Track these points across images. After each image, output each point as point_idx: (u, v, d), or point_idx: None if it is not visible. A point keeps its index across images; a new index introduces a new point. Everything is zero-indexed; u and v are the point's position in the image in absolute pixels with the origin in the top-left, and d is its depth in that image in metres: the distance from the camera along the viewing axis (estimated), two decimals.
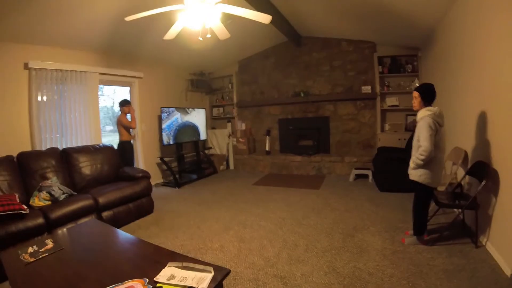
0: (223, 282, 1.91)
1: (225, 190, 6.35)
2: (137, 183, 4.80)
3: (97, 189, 4.56)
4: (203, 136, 8.28)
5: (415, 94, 3.30)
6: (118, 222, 4.22)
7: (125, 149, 5.83)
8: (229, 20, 3.71)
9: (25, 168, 4.20)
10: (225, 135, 8.78)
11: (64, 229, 3.32)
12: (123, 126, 5.84)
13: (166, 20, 3.92)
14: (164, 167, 7.14)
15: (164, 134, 6.89)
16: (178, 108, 7.47)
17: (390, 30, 5.93)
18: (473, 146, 3.69)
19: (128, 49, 6.15)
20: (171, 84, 7.87)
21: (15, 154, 4.23)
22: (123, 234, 2.92)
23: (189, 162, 7.82)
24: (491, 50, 3.18)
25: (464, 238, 3.43)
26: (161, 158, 7.00)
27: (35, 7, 3.87)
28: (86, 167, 4.86)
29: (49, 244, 2.51)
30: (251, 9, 3.25)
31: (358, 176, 6.65)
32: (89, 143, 5.45)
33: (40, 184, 4.08)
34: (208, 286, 1.74)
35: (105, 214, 4.25)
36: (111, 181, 5.00)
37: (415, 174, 3.25)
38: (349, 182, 6.49)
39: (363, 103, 7.32)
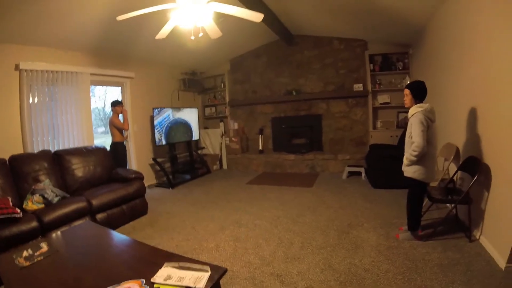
0: (220, 281, 1.91)
1: (219, 190, 6.34)
2: (130, 185, 4.78)
3: (90, 191, 4.54)
4: (195, 133, 8.23)
5: (406, 91, 3.34)
6: (113, 224, 4.19)
7: (118, 150, 5.79)
8: (221, 18, 3.70)
9: (17, 171, 4.15)
10: (218, 135, 8.76)
11: (59, 232, 3.28)
12: (115, 127, 5.80)
13: (157, 20, 3.90)
14: (157, 167, 7.10)
15: (155, 132, 6.85)
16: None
17: (381, 27, 5.97)
18: (464, 141, 3.74)
19: (119, 49, 6.11)
20: (163, 84, 7.82)
21: (6, 157, 4.18)
22: (118, 236, 2.91)
23: (182, 162, 7.78)
24: (480, 47, 3.23)
25: (457, 232, 3.46)
26: (154, 159, 6.97)
27: (26, 8, 3.83)
28: (78, 169, 4.82)
29: (44, 247, 2.49)
30: (242, 8, 3.24)
31: (351, 174, 6.68)
32: (82, 145, 5.40)
33: (33, 187, 4.04)
34: (205, 285, 1.73)
35: (99, 216, 4.22)
36: (104, 183, 4.97)
37: (409, 170, 3.28)
38: (343, 179, 6.52)
39: (355, 100, 7.36)
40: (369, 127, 7.18)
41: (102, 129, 12.96)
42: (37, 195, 3.93)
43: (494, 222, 2.97)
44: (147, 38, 5.29)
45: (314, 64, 7.77)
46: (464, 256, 2.94)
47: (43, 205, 3.89)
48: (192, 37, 3.31)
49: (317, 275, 2.80)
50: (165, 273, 1.87)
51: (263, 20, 3.45)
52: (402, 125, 6.69)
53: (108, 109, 8.37)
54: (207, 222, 4.41)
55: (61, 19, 4.37)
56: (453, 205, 3.46)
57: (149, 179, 7.03)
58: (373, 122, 7.13)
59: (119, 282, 1.82)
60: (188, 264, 1.93)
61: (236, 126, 8.75)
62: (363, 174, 6.42)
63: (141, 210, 4.89)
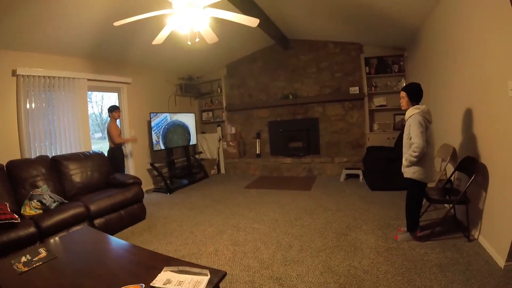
0: (219, 285, 1.91)
1: (217, 194, 6.34)
2: (128, 190, 4.76)
3: (88, 196, 4.51)
4: (193, 136, 8.25)
5: (402, 94, 3.37)
6: (111, 229, 4.16)
7: (116, 156, 5.78)
8: (218, 24, 3.72)
9: (15, 177, 4.15)
10: (215, 139, 8.77)
11: (57, 238, 3.27)
12: (111, 135, 5.79)
13: (153, 25, 3.91)
14: (155, 173, 7.10)
15: (153, 133, 6.85)
16: None
17: (375, 30, 6.01)
18: (460, 142, 3.76)
19: (116, 55, 6.13)
20: (159, 89, 7.84)
21: (4, 163, 4.17)
22: (116, 241, 2.90)
23: (179, 167, 7.79)
24: (474, 48, 3.26)
25: (456, 232, 3.48)
26: (152, 164, 6.96)
27: (22, 13, 3.84)
28: (76, 174, 4.81)
29: (43, 253, 2.48)
30: (238, 13, 3.26)
31: (348, 176, 6.69)
32: (79, 150, 5.40)
33: (31, 192, 4.02)
34: None
35: (97, 221, 4.21)
36: (102, 188, 4.95)
37: (409, 171, 3.30)
38: (340, 182, 6.53)
39: (351, 103, 7.38)
40: (365, 130, 7.21)
41: (99, 134, 12.96)
42: (35, 200, 3.92)
43: (492, 222, 2.99)
44: (143, 43, 5.30)
45: (310, 68, 7.80)
46: (463, 256, 2.96)
47: (41, 211, 3.87)
48: (189, 42, 3.33)
49: (316, 278, 2.80)
50: (165, 277, 1.87)
51: (259, 25, 3.47)
52: (399, 127, 6.72)
53: (105, 114, 8.35)
54: (205, 227, 4.41)
55: (58, 25, 4.38)
56: (451, 205, 3.48)
57: (147, 184, 7.02)
58: (369, 125, 7.15)
59: (118, 287, 1.81)
60: (187, 268, 1.93)
61: (233, 130, 8.75)
62: (361, 177, 6.43)
63: (139, 215, 4.88)
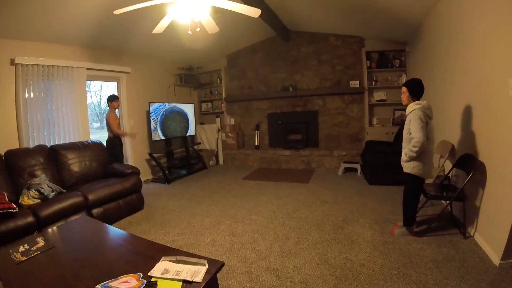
0: (217, 275, 1.92)
1: (215, 185, 6.35)
2: (127, 180, 4.77)
3: (87, 186, 4.52)
4: (192, 124, 8.24)
5: (403, 89, 3.36)
6: (109, 219, 4.17)
7: (114, 145, 5.76)
8: (219, 13, 3.70)
9: (13, 166, 4.14)
10: (214, 130, 8.76)
11: (55, 227, 3.27)
12: (110, 124, 5.77)
13: (153, 14, 3.89)
14: (153, 163, 7.10)
15: (151, 121, 6.85)
16: None
17: (377, 24, 5.98)
18: (459, 139, 3.77)
19: (115, 44, 6.08)
20: (159, 79, 7.81)
21: (2, 152, 4.17)
22: (115, 230, 2.91)
23: (178, 157, 7.80)
24: (475, 44, 3.26)
25: (452, 229, 3.50)
26: (150, 154, 6.95)
27: (21, 2, 3.81)
28: (74, 164, 4.81)
29: (41, 242, 2.49)
30: (240, 3, 3.24)
31: (347, 170, 6.71)
32: (78, 140, 5.39)
33: (29, 182, 4.03)
34: (203, 278, 1.75)
35: (95, 211, 4.22)
36: (100, 178, 4.96)
37: (409, 166, 3.30)
38: (338, 175, 6.55)
39: (351, 97, 7.37)
40: (365, 124, 7.21)
41: (97, 124, 12.94)
42: (33, 190, 3.92)
43: (488, 219, 3.00)
44: (143, 32, 5.26)
45: (311, 60, 7.77)
46: (458, 252, 2.98)
47: (39, 200, 3.88)
48: (190, 32, 3.31)
49: (313, 270, 2.82)
50: (162, 267, 1.88)
51: (260, 16, 3.44)
52: (398, 122, 6.72)
53: (104, 104, 8.32)
54: (203, 217, 4.42)
55: (57, 13, 4.34)
56: (448, 201, 3.49)
57: (145, 174, 7.02)
58: (369, 119, 7.15)
59: (116, 276, 1.82)
60: (185, 258, 1.93)
61: (232, 121, 8.75)
62: (359, 171, 6.45)
63: (137, 205, 4.89)
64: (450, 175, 3.82)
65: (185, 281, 1.73)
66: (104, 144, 5.61)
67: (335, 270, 2.80)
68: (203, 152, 8.58)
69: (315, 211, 4.40)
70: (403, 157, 3.37)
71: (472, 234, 3.29)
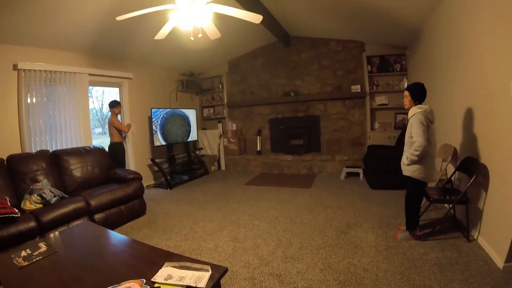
0: (220, 281, 1.91)
1: (217, 190, 6.34)
2: (129, 185, 4.77)
3: (89, 191, 4.53)
4: (194, 128, 8.26)
5: (406, 93, 3.37)
6: (111, 224, 4.17)
7: (116, 151, 5.78)
8: (219, 19, 3.71)
9: (15, 171, 4.15)
10: (216, 136, 8.77)
11: (57, 232, 3.27)
12: (115, 128, 5.78)
13: (155, 20, 3.92)
14: (155, 168, 7.10)
15: (153, 125, 6.88)
16: None
17: (377, 29, 5.99)
18: (461, 142, 3.76)
19: (117, 50, 6.11)
20: (161, 84, 7.83)
21: (4, 157, 4.18)
22: (117, 236, 2.90)
23: (180, 163, 7.80)
24: (475, 47, 3.27)
25: (455, 232, 3.48)
26: (152, 160, 6.95)
27: (23, 8, 3.84)
28: (77, 169, 4.81)
29: (43, 247, 2.48)
30: (241, 9, 3.25)
31: (349, 174, 6.69)
32: (80, 145, 5.39)
33: (31, 187, 4.03)
34: (207, 284, 1.73)
35: (97, 216, 4.21)
36: (102, 183, 4.96)
37: (409, 169, 3.29)
38: (341, 180, 6.52)
39: (352, 102, 7.38)
40: (366, 128, 7.21)
41: (99, 129, 12.95)
42: (35, 195, 3.92)
43: (491, 222, 2.99)
44: (145, 38, 5.29)
45: (311, 66, 7.79)
46: (462, 256, 2.96)
47: (41, 205, 3.88)
48: (192, 38, 3.32)
49: (316, 275, 2.81)
50: (166, 272, 1.87)
51: (261, 22, 3.46)
52: (400, 126, 6.72)
53: (106, 110, 8.32)
54: (206, 223, 4.41)
55: (59, 20, 4.38)
56: (451, 205, 3.48)
57: (147, 179, 7.02)
58: (371, 123, 7.15)
59: (119, 282, 1.81)
60: (188, 264, 1.92)
61: (234, 127, 8.75)
62: (361, 175, 6.43)
63: (139, 211, 4.88)
64: (452, 178, 3.81)
65: (188, 287, 1.72)
66: (106, 149, 5.62)
67: (338, 275, 2.79)
68: (205, 157, 8.58)
69: (318, 216, 4.39)
70: (404, 160, 3.36)
71: (475, 237, 3.27)
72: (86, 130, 5.72)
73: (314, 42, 7.67)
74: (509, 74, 2.56)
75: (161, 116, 7.13)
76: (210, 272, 1.84)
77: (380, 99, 7.08)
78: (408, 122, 3.36)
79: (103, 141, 7.19)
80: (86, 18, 4.56)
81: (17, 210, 3.41)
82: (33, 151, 4.73)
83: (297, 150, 7.83)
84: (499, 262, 2.71)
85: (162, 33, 3.56)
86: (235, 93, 8.92)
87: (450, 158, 3.94)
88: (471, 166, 3.27)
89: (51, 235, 3.16)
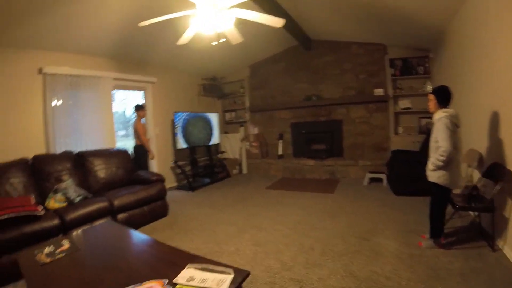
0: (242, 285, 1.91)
1: (239, 194, 6.36)
2: (152, 187, 4.84)
3: (112, 192, 4.62)
4: (216, 131, 8.35)
5: (431, 96, 3.31)
6: (133, 224, 4.22)
7: (140, 153, 5.88)
8: (241, 24, 3.73)
9: (40, 171, 4.28)
10: (238, 140, 8.81)
11: (80, 231, 3.35)
12: (137, 133, 5.88)
13: (177, 26, 3.97)
14: (178, 171, 7.19)
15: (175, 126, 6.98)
16: None
17: (399, 31, 5.90)
18: (487, 147, 3.65)
19: (141, 54, 6.22)
20: (184, 88, 7.94)
21: (30, 157, 4.32)
22: (139, 236, 2.94)
23: (202, 166, 7.85)
24: (501, 49, 3.17)
25: (480, 241, 3.38)
26: (175, 162, 7.05)
27: (48, 14, 3.96)
28: (101, 170, 4.92)
29: (66, 245, 2.54)
30: (262, 13, 3.26)
31: (372, 180, 6.58)
32: (104, 147, 5.50)
33: (56, 186, 4.15)
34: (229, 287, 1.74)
35: (120, 216, 4.30)
36: (125, 185, 5.05)
37: (434, 175, 3.22)
38: (363, 185, 6.44)
39: (375, 106, 7.27)
40: (390, 133, 7.09)
41: (122, 132, 13.16)
42: (60, 194, 4.04)
43: None
44: (168, 43, 5.36)
45: (333, 69, 7.73)
46: (486, 266, 2.87)
47: (65, 204, 3.99)
48: (214, 43, 3.35)
49: (338, 282, 2.77)
50: (188, 274, 1.88)
51: (283, 26, 3.45)
52: (424, 131, 6.57)
53: (129, 113, 8.49)
54: (227, 226, 4.42)
55: (82, 25, 4.50)
56: (476, 213, 3.38)
57: (170, 181, 7.10)
58: (394, 128, 7.03)
59: (140, 281, 1.83)
60: (211, 266, 1.93)
61: (256, 131, 8.77)
62: (385, 181, 6.33)
63: (161, 212, 4.95)
64: (478, 185, 3.69)
65: None
66: (130, 151, 5.72)
67: (360, 282, 2.74)
68: (227, 161, 8.62)
69: (340, 222, 4.33)
70: (429, 166, 3.28)
71: (501, 247, 3.16)
72: (110, 133, 5.84)
73: (336, 46, 7.62)
74: None
75: (183, 117, 7.21)
76: (233, 275, 1.84)
77: (404, 103, 6.95)
78: (433, 126, 3.28)
79: (126, 143, 7.32)
80: (110, 24, 4.67)
81: (41, 209, 3.50)
82: (58, 152, 4.85)
83: (319, 154, 7.77)
84: None
85: (185, 38, 3.60)
86: (256, 97, 8.94)
87: (475, 163, 3.83)
88: (498, 172, 3.16)
89: (74, 233, 3.23)
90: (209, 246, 3.73)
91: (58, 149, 4.95)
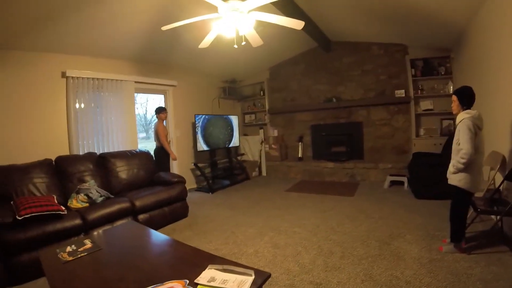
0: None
1: (258, 196, 6.38)
2: (173, 188, 4.91)
3: (134, 192, 4.70)
4: (236, 133, 8.40)
5: (453, 97, 3.25)
6: (154, 225, 4.26)
7: (161, 155, 5.95)
8: (261, 27, 3.75)
9: (63, 171, 4.39)
10: (257, 142, 8.83)
11: (101, 230, 3.42)
12: (158, 135, 5.97)
13: (198, 29, 4.02)
14: (198, 172, 7.26)
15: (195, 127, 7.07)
16: None
17: (420, 31, 5.81)
18: (510, 149, 3.55)
19: (162, 58, 6.33)
20: (204, 91, 8.03)
21: (53, 158, 4.44)
22: (160, 236, 2.97)
23: (222, 168, 7.91)
24: None
25: (502, 246, 3.29)
26: (195, 164, 7.12)
27: (71, 19, 4.08)
28: (122, 171, 5.02)
29: (88, 244, 2.59)
30: (282, 16, 3.27)
31: (393, 183, 6.50)
32: (125, 149, 5.60)
33: (78, 186, 4.25)
34: None
35: (141, 217, 4.37)
36: (146, 186, 5.13)
37: (455, 178, 3.16)
38: (384, 189, 6.35)
39: (396, 107, 7.17)
40: (411, 135, 6.96)
41: (143, 134, 13.39)
42: (82, 194, 4.13)
43: None
44: (189, 47, 5.46)
45: (353, 71, 7.67)
46: (507, 272, 2.79)
47: (87, 204, 4.08)
48: (235, 46, 3.38)
49: (357, 286, 2.75)
50: (209, 275, 1.89)
51: (302, 27, 3.46)
52: (446, 133, 6.44)
53: (150, 116, 8.61)
54: (246, 227, 4.44)
55: (104, 30, 4.62)
56: (498, 217, 3.30)
57: (190, 183, 7.14)
58: (415, 130, 6.90)
59: (161, 281, 1.85)
60: (232, 267, 1.94)
61: (275, 133, 8.78)
62: (406, 184, 6.23)
63: (181, 213, 5.02)
64: (501, 188, 3.60)
65: None
66: (152, 153, 5.81)
67: (380, 287, 2.71)
68: (246, 163, 8.65)
69: (360, 226, 4.29)
70: (450, 168, 3.22)
71: None
72: (132, 135, 5.95)
73: (355, 47, 7.56)
74: None
75: (203, 118, 7.29)
76: (253, 277, 1.85)
77: (425, 104, 6.83)
78: (455, 128, 3.22)
79: (146, 146, 7.46)
80: (132, 28, 4.77)
81: (63, 208, 3.58)
82: (80, 153, 4.99)
83: (339, 157, 7.71)
84: None
85: (206, 42, 3.65)
86: (276, 100, 8.95)
87: (498, 166, 3.73)
88: None
89: (95, 233, 3.30)
90: (228, 248, 3.76)
91: (81, 150, 5.09)
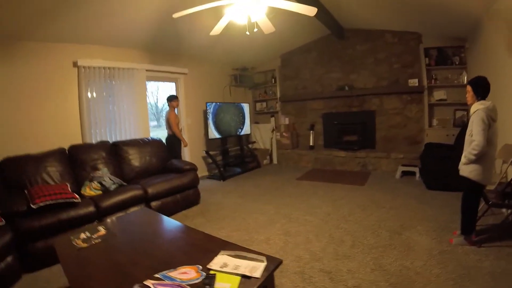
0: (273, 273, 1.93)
1: (269, 184, 6.40)
2: (185, 175, 4.96)
3: (146, 180, 4.75)
4: (247, 120, 8.43)
5: (468, 88, 3.18)
6: (166, 211, 4.29)
7: (173, 143, 5.99)
8: (273, 13, 3.71)
9: (76, 159, 4.47)
10: (269, 130, 8.84)
11: (115, 217, 3.47)
12: (169, 123, 6.01)
13: (209, 16, 4.00)
14: (209, 160, 7.31)
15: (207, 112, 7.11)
16: None
17: (434, 19, 5.67)
18: None
19: (173, 46, 6.32)
20: (215, 79, 8.03)
21: (66, 147, 4.52)
22: (173, 223, 3.03)
23: (233, 156, 7.95)
24: None
25: None
26: (207, 152, 7.17)
27: (82, 9, 4.08)
28: (135, 159, 5.08)
29: (102, 230, 2.64)
30: (294, 2, 3.23)
31: (404, 173, 6.45)
32: (137, 137, 5.66)
33: (91, 174, 4.32)
34: (262, 275, 1.77)
35: (153, 204, 4.44)
36: (159, 173, 5.18)
37: (466, 169, 3.12)
38: (396, 179, 6.32)
39: (409, 97, 7.07)
40: (424, 125, 6.88)
41: (154, 123, 13.47)
42: (95, 182, 4.20)
43: None
44: (199, 34, 5.44)
45: (366, 59, 7.56)
46: None
47: (100, 192, 4.15)
48: (247, 33, 3.36)
49: (367, 275, 2.77)
50: (221, 260, 1.93)
51: (315, 14, 3.41)
52: (459, 124, 6.35)
53: (161, 104, 8.63)
54: (257, 215, 4.48)
55: (115, 19, 4.62)
56: (509, 210, 3.25)
57: (201, 171, 7.21)
58: (428, 120, 6.81)
59: (174, 267, 1.90)
60: (244, 253, 1.98)
61: (287, 121, 8.75)
62: (417, 174, 6.18)
63: (193, 200, 5.08)
64: None
65: (243, 276, 1.76)
66: (164, 141, 5.86)
67: (390, 276, 2.72)
68: (258, 151, 8.68)
69: (371, 215, 4.29)
70: (462, 159, 3.17)
71: None
72: (144, 123, 5.98)
73: (369, 35, 7.44)
74: None
75: (214, 104, 7.33)
76: (265, 263, 1.88)
77: (439, 94, 6.72)
78: (468, 119, 3.17)
79: (158, 134, 7.50)
80: (143, 16, 4.76)
81: (77, 196, 3.65)
82: (93, 141, 5.05)
83: (351, 146, 7.65)
84: None
85: (218, 29, 3.63)
86: (288, 88, 8.90)
87: (511, 160, 3.68)
88: None
89: (109, 220, 3.35)
90: (239, 234, 3.80)
91: (94, 139, 5.14)
